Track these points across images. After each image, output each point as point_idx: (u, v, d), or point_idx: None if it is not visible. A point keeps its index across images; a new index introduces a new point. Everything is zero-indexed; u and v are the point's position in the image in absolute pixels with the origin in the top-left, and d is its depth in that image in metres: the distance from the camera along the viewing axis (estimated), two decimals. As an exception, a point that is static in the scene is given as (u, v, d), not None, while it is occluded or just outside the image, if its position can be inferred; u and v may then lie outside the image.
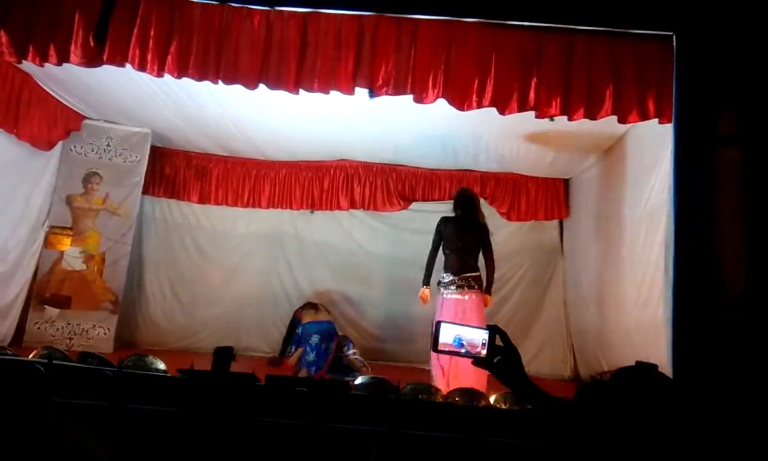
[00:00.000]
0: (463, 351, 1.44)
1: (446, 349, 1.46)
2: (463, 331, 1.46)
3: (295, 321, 6.47)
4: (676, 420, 0.91)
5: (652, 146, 4.67)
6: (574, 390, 1.04)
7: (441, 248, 4.96)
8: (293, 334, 6.25)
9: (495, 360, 1.42)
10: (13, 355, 3.94)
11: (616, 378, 0.99)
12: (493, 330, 1.44)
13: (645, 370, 1.00)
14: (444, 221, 4.99)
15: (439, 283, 4.91)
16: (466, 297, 4.71)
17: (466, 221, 4.93)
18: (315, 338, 5.88)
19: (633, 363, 1.07)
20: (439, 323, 1.47)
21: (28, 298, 5.99)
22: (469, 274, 4.74)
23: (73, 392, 2.99)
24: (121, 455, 2.64)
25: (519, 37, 3.79)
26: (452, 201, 5.32)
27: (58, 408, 2.65)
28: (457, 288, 4.73)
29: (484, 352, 1.43)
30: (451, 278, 4.75)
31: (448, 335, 1.45)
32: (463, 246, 4.84)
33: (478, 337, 1.44)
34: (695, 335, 3.21)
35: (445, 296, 4.78)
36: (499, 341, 1.43)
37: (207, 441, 2.79)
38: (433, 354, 4.54)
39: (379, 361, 6.66)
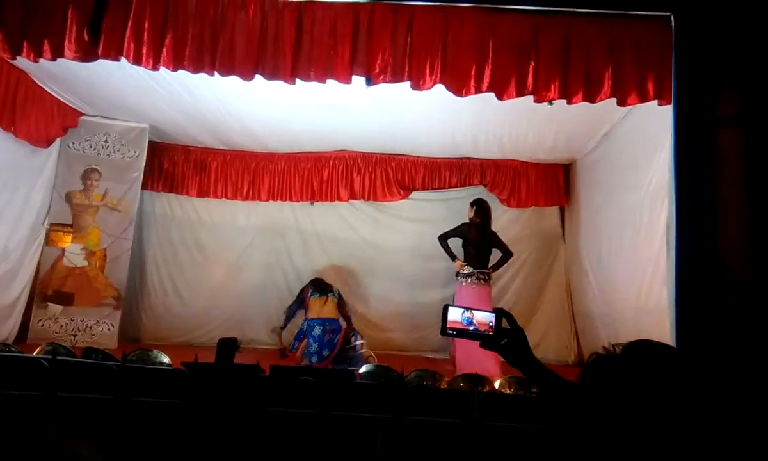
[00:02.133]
0: (471, 328, 1.48)
1: (453, 330, 1.49)
2: (469, 313, 1.49)
3: (300, 299, 6.44)
4: (691, 397, 0.91)
5: (653, 128, 4.65)
6: (587, 360, 1.04)
7: (461, 245, 5.82)
8: (296, 310, 6.26)
9: (502, 342, 1.45)
10: (18, 352, 3.95)
11: (628, 351, 0.99)
12: (500, 313, 1.47)
13: (658, 345, 1.00)
14: (467, 226, 5.87)
15: (458, 274, 5.73)
16: (482, 288, 5.59)
17: (484, 228, 5.83)
18: (318, 329, 5.90)
19: None
20: (446, 306, 1.51)
21: (31, 296, 6.00)
22: (484, 270, 5.67)
23: (78, 387, 3.00)
24: (126, 448, 2.66)
25: (515, 21, 3.75)
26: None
27: (63, 402, 2.66)
28: (475, 279, 5.60)
29: (490, 332, 1.46)
30: (471, 270, 5.62)
31: (455, 316, 1.49)
32: (482, 247, 5.76)
33: (485, 319, 1.47)
34: (699, 318, 3.20)
35: (463, 284, 5.62)
36: (506, 324, 1.46)
37: (212, 432, 2.79)
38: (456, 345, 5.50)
39: (385, 351, 6.67)
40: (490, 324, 1.47)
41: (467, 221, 5.90)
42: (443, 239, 5.91)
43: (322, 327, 5.92)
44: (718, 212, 3.32)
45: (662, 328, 3.75)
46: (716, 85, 3.44)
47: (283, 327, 6.45)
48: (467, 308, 1.51)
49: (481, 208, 5.87)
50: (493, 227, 6.37)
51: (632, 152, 5.34)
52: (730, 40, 3.43)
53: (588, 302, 6.43)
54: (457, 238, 5.86)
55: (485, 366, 4.77)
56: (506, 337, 1.45)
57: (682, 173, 3.38)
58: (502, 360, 4.53)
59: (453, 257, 5.82)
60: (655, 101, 3.78)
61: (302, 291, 6.43)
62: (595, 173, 6.41)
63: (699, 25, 3.45)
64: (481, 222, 5.81)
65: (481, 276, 5.61)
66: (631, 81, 3.71)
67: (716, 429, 0.88)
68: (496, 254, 5.86)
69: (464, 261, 5.70)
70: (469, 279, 5.60)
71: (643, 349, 0.99)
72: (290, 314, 6.43)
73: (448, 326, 1.49)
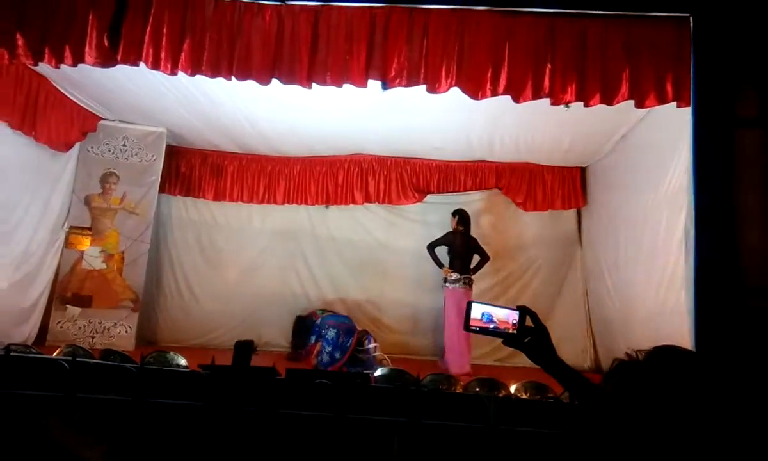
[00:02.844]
0: (491, 326, 1.48)
1: (477, 326, 1.49)
2: (492, 310, 1.49)
3: (309, 319, 6.50)
4: (717, 405, 0.89)
5: (671, 130, 4.60)
6: (609, 366, 1.02)
7: (446, 252, 6.37)
8: (311, 329, 6.29)
9: (525, 340, 1.44)
10: (38, 354, 4.01)
11: (652, 357, 0.97)
12: (524, 311, 1.46)
13: (682, 352, 0.98)
14: (453, 234, 6.40)
15: (446, 280, 6.21)
16: (468, 292, 6.13)
17: (467, 235, 6.40)
18: (332, 333, 5.93)
19: None
20: (470, 303, 1.51)
21: (50, 298, 6.09)
22: (468, 275, 6.21)
23: (97, 388, 3.04)
24: (144, 449, 2.68)
25: (532, 23, 3.74)
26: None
27: (83, 403, 2.70)
28: (463, 284, 6.14)
29: (512, 330, 1.46)
30: (458, 276, 6.16)
31: (478, 313, 1.48)
32: (465, 254, 6.30)
33: (509, 317, 1.47)
34: (718, 322, 3.16)
35: (451, 289, 6.15)
36: (529, 322, 1.45)
37: (229, 434, 2.81)
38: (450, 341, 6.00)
39: (399, 355, 6.68)
40: (513, 322, 1.46)
41: (451, 229, 6.42)
42: (431, 247, 6.38)
43: (336, 330, 5.95)
44: (738, 215, 3.28)
45: (681, 333, 3.70)
46: (736, 85, 3.41)
47: (294, 350, 6.49)
48: (490, 306, 1.51)
49: (462, 217, 6.46)
50: (510, 231, 7.14)
51: (650, 155, 5.29)
52: (749, 41, 3.39)
53: (605, 307, 6.38)
54: (442, 246, 6.37)
55: (461, 363, 5.78)
56: (529, 335, 1.44)
57: (701, 175, 3.35)
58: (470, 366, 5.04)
59: (440, 265, 6.32)
60: (673, 103, 3.74)
61: (312, 322, 6.44)
62: (613, 176, 6.36)
63: (718, 26, 3.42)
64: (463, 230, 6.38)
65: (467, 281, 6.17)
66: (649, 83, 3.67)
67: (742, 437, 0.87)
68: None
69: (450, 268, 6.23)
70: (458, 284, 6.13)
71: (668, 355, 0.98)
72: (298, 335, 6.48)
73: (471, 323, 1.50)
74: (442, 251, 6.38)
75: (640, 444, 0.88)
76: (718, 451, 0.85)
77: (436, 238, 6.42)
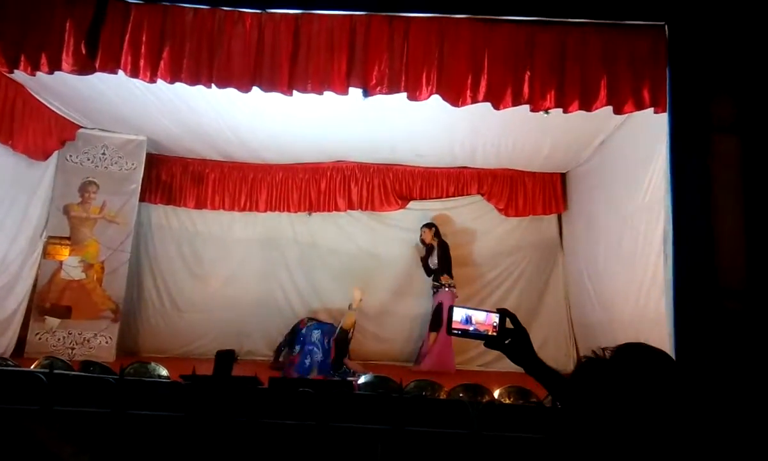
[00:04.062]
0: (471, 328, 1.51)
1: (459, 329, 1.53)
2: (473, 313, 1.53)
3: (296, 327, 6.47)
4: (679, 403, 0.91)
5: (648, 137, 4.67)
6: (576, 363, 1.05)
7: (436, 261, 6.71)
8: (296, 337, 6.24)
9: (506, 342, 1.47)
10: (15, 366, 3.94)
11: (617, 354, 1.00)
12: (504, 313, 1.50)
13: (646, 348, 1.01)
14: (439, 247, 6.73)
15: (447, 286, 6.49)
16: (455, 293, 6.52)
17: (443, 242, 6.83)
18: (317, 334, 5.93)
19: None
20: (451, 307, 1.55)
21: (28, 309, 5.98)
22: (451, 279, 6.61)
23: (76, 400, 2.99)
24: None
25: (511, 31, 3.78)
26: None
27: (60, 416, 2.65)
28: (454, 287, 6.53)
29: (493, 332, 1.50)
30: (452, 281, 6.55)
31: (459, 316, 1.53)
32: (448, 259, 6.66)
33: (489, 319, 1.50)
34: (696, 325, 3.20)
35: (449, 291, 6.46)
36: (509, 324, 1.49)
37: (211, 445, 2.78)
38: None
39: (383, 362, 6.67)
40: (494, 325, 1.50)
41: (428, 243, 6.80)
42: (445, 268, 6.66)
43: (320, 330, 5.96)
44: (714, 219, 3.33)
45: (661, 335, 3.74)
46: (711, 92, 3.47)
47: (274, 362, 6.39)
48: (470, 309, 1.54)
49: (437, 229, 6.88)
50: (492, 237, 7.34)
51: (628, 161, 5.36)
52: (724, 48, 3.46)
53: (587, 310, 6.43)
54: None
55: (446, 361, 6.12)
56: (510, 337, 1.48)
57: (678, 180, 3.40)
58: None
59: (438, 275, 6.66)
60: (651, 109, 3.79)
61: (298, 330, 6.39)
62: (592, 182, 6.43)
63: (693, 34, 3.48)
64: (441, 240, 6.80)
65: (453, 285, 6.60)
66: (627, 89, 3.73)
67: (704, 430, 0.89)
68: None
69: (446, 274, 6.61)
70: (455, 288, 6.54)
71: (632, 352, 1.01)
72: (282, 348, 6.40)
73: (453, 326, 1.53)
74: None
75: (606, 437, 0.90)
76: (682, 445, 0.87)
77: (448, 259, 6.68)
